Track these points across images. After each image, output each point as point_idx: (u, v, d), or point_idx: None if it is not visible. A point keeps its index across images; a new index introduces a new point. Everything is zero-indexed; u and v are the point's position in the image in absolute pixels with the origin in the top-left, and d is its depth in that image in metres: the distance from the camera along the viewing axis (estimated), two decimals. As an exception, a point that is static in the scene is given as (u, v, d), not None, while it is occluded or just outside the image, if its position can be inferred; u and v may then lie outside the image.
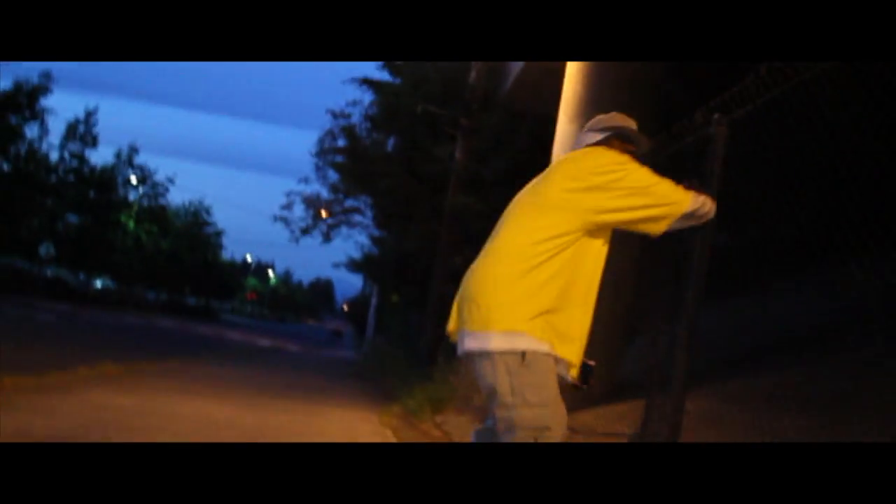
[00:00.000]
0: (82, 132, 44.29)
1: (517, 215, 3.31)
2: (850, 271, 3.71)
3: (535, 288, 3.12)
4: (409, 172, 20.56)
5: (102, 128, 58.13)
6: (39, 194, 40.73)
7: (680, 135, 4.25)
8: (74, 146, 44.13)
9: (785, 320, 7.29)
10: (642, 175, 3.18)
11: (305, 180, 26.96)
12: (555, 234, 3.15)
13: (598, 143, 3.38)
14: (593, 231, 3.21)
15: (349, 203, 26.40)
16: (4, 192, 36.40)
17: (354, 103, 23.58)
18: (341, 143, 24.26)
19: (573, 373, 3.25)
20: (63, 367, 8.61)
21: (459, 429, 8.28)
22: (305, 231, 26.78)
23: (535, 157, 10.58)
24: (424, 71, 20.32)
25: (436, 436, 8.25)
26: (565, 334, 3.18)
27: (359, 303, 46.38)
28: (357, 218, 27.07)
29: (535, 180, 3.39)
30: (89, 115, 44.53)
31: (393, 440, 7.64)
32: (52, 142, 44.74)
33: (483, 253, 3.33)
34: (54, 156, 42.79)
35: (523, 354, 3.07)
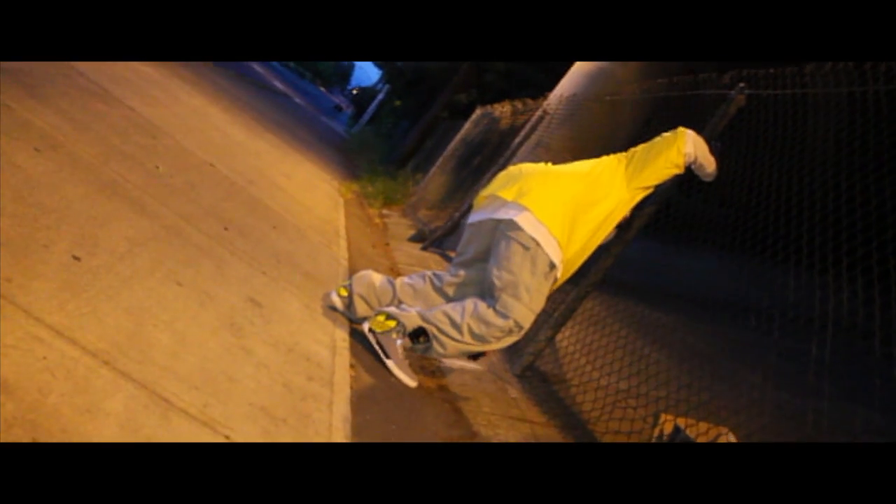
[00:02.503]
0: None
1: (605, 167, 3.25)
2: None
3: (584, 234, 3.15)
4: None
5: None
6: None
7: (701, 82, 4.04)
8: None
9: (689, 278, 7.23)
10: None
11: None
12: (612, 208, 3.19)
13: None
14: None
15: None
16: None
17: None
18: None
19: None
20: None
21: (396, 226, 8.21)
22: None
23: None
24: None
25: (377, 223, 8.16)
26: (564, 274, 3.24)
27: (367, 93, 45.24)
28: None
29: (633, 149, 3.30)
30: None
31: (342, 210, 7.50)
32: None
33: (559, 168, 3.28)
34: None
35: (552, 266, 3.09)
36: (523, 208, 3.11)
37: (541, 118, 7.10)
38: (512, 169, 3.39)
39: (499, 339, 3.16)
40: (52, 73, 4.30)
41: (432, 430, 2.97)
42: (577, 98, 6.59)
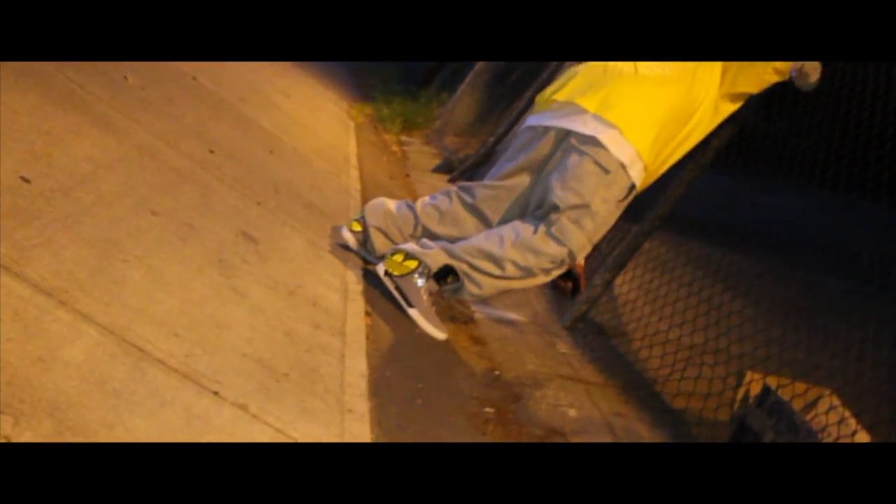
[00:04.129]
0: None
1: (704, 72, 3.08)
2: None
3: (667, 151, 3.09)
4: None
5: None
6: None
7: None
8: None
9: (770, 217, 7.08)
10: None
11: None
12: (699, 120, 3.11)
13: None
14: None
15: None
16: None
17: None
18: None
19: None
20: None
21: (418, 156, 8.09)
22: None
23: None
24: None
25: (394, 151, 8.04)
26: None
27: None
28: None
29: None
30: None
31: (352, 134, 7.38)
32: None
33: (651, 73, 3.06)
34: None
35: (631, 190, 3.01)
36: (609, 125, 2.95)
37: None
38: (594, 67, 3.17)
39: (547, 271, 3.05)
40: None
41: (466, 391, 2.90)
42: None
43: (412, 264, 3.11)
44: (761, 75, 3.02)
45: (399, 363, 2.78)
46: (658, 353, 3.52)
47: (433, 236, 3.29)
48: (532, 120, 3.24)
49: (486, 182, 3.32)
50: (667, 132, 3.01)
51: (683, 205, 3.92)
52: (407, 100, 11.00)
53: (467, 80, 10.08)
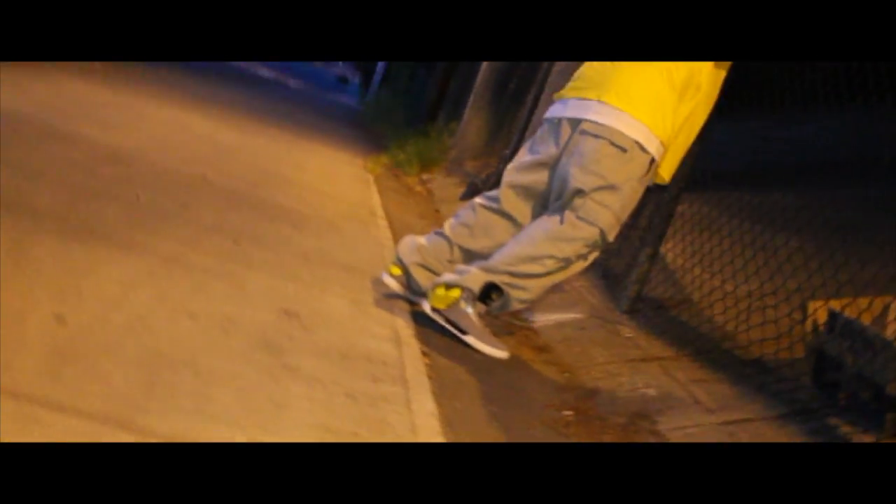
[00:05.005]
0: None
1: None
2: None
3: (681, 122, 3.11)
4: None
5: None
6: None
7: None
8: None
9: (802, 147, 6.96)
10: None
11: None
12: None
13: None
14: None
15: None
16: None
17: None
18: None
19: None
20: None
21: (443, 189, 8.13)
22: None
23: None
24: None
25: (418, 191, 8.10)
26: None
27: (367, 72, 45.20)
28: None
29: None
30: None
31: (373, 187, 7.44)
32: None
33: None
34: None
35: (652, 162, 3.04)
36: (618, 110, 3.00)
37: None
38: (587, 69, 3.23)
39: (585, 256, 3.08)
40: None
41: (540, 400, 2.90)
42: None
43: (455, 293, 3.13)
44: None
45: (467, 392, 2.79)
46: (720, 310, 3.49)
47: (471, 254, 3.32)
48: (548, 114, 3.29)
49: (506, 181, 3.34)
50: (674, 103, 3.04)
51: (711, 160, 3.90)
52: (419, 139, 11.07)
53: (469, 103, 10.14)
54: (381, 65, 37.01)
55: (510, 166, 3.40)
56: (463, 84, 12.78)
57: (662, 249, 3.98)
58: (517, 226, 3.28)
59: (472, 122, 9.96)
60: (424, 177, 9.05)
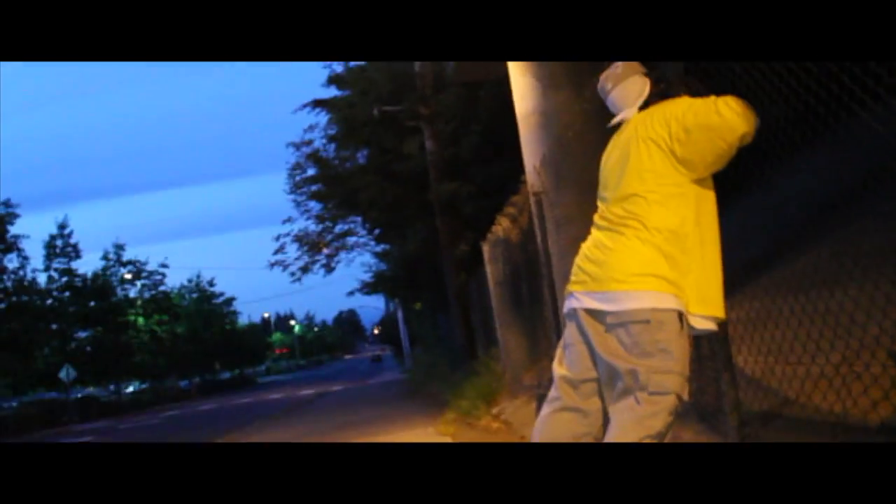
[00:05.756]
0: (61, 246, 44.34)
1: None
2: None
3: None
4: (387, 178, 20.41)
5: (82, 236, 58.05)
6: (42, 321, 40.82)
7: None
8: (59, 263, 44.15)
9: (787, 206, 7.09)
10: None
11: (289, 220, 26.69)
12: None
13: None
14: None
15: (339, 228, 26.26)
16: (6, 329, 36.32)
17: (312, 128, 23.62)
18: (311, 171, 24.15)
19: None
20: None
21: (517, 414, 8.16)
22: (305, 269, 26.62)
23: (503, 121, 10.45)
24: (369, 74, 20.22)
25: (496, 428, 8.13)
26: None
27: (387, 322, 46.25)
28: (352, 240, 26.91)
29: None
30: (62, 227, 44.52)
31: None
32: (37, 265, 45.25)
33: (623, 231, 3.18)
34: (42, 277, 42.85)
35: (681, 316, 3.05)
36: (619, 293, 3.07)
37: (538, 202, 7.23)
38: (583, 263, 3.31)
39: (669, 423, 3.08)
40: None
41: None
42: (549, 160, 6.75)
43: None
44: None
45: None
46: (821, 393, 3.49)
47: None
48: (565, 310, 3.37)
49: (558, 377, 3.38)
50: (677, 254, 3.07)
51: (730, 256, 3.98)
52: (472, 380, 11.21)
53: (498, 325, 10.36)
54: (402, 329, 37.68)
55: (555, 363, 3.44)
56: (482, 313, 13.06)
57: (739, 363, 4.01)
58: (586, 415, 3.32)
59: (509, 340, 10.15)
60: (494, 411, 9.10)
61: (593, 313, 3.18)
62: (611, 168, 3.30)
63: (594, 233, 3.33)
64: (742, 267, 4.58)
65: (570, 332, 3.35)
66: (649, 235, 3.08)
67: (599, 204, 3.36)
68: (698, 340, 3.78)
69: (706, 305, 3.11)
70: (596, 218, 3.35)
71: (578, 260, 3.35)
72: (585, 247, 3.34)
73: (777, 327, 4.06)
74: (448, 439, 7.99)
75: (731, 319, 4.06)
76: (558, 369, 3.40)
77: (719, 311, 3.14)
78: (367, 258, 30.14)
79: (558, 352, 3.44)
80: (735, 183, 3.71)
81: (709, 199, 3.17)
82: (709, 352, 4.06)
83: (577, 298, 3.26)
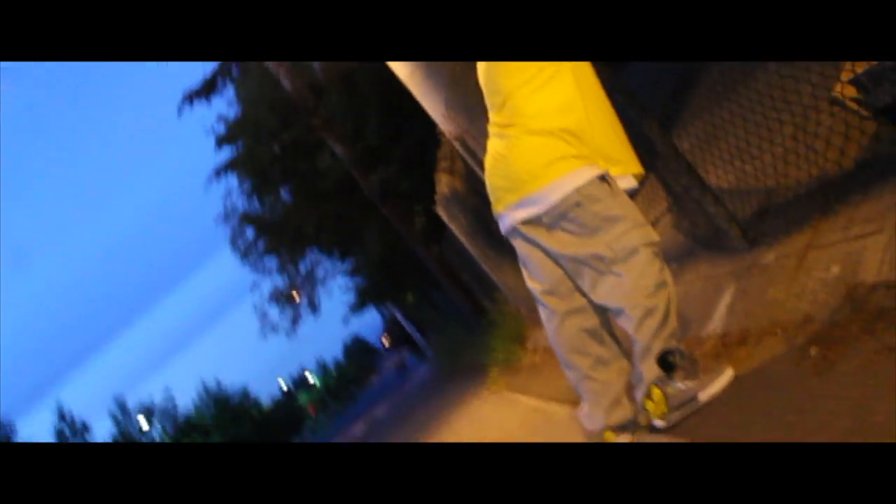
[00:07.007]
0: (70, 432, 44.06)
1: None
2: None
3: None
4: (318, 199, 20.41)
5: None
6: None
7: None
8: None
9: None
10: None
11: (255, 285, 26.85)
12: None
13: None
14: None
15: (303, 268, 26.34)
16: None
17: (229, 194, 23.64)
18: (251, 233, 24.16)
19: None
20: None
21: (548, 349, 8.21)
22: (295, 321, 26.97)
23: (391, 91, 10.45)
24: (250, 117, 20.16)
25: (539, 361, 8.20)
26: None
27: (392, 327, 46.13)
28: (321, 272, 27.00)
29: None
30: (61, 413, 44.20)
31: (513, 394, 7.56)
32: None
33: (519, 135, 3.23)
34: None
35: (603, 178, 3.08)
36: (541, 192, 3.13)
37: (464, 144, 7.29)
38: (494, 180, 3.39)
39: (661, 268, 3.15)
40: None
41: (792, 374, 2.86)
42: (452, 101, 6.82)
43: (658, 393, 3.20)
44: None
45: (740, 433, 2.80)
46: (794, 166, 3.58)
47: (604, 360, 3.42)
48: (503, 230, 3.44)
49: (535, 295, 3.46)
50: (569, 126, 3.12)
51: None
52: (491, 331, 11.25)
53: (489, 270, 10.39)
54: (407, 325, 37.63)
55: (527, 284, 3.50)
56: (470, 270, 13.09)
57: (713, 182, 4.09)
58: (582, 310, 3.38)
59: (505, 277, 10.18)
60: (528, 346, 9.15)
61: (529, 222, 3.23)
62: (484, 79, 3.35)
63: (491, 143, 3.38)
64: (666, 103, 4.66)
65: (520, 248, 3.39)
66: (536, 124, 3.14)
67: (490, 115, 3.39)
68: (669, 185, 3.84)
69: (619, 165, 3.18)
70: (489, 128, 3.40)
71: (488, 179, 3.40)
72: (488, 164, 3.39)
73: (727, 133, 4.15)
74: (506, 392, 8.06)
75: (684, 149, 4.14)
76: (532, 286, 3.45)
77: (635, 167, 3.23)
78: (344, 280, 30.25)
79: (523, 272, 3.49)
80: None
81: (583, 66, 3.21)
82: (682, 188, 4.12)
83: (508, 216, 3.32)
